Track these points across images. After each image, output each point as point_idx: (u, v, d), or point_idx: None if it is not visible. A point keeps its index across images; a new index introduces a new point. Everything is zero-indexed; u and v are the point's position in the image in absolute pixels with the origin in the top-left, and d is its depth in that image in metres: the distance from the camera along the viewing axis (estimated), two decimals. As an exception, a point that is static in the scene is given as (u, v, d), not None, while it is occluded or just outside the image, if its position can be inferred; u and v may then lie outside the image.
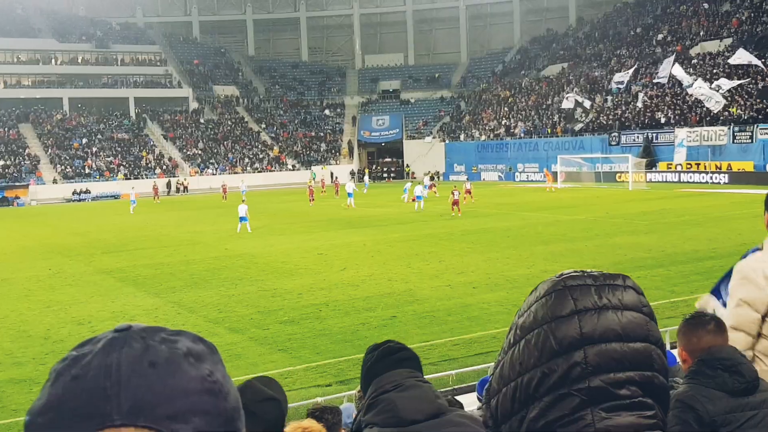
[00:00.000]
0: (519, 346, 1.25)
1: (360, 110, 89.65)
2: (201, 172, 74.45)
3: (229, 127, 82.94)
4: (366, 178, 67.04)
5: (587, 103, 64.37)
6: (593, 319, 1.21)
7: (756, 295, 3.55)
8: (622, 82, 62.48)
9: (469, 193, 44.93)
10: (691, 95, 55.28)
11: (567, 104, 65.41)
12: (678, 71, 55.14)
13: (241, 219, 33.65)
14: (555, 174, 56.89)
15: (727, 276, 4.08)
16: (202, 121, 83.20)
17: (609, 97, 65.24)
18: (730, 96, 52.50)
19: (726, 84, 50.51)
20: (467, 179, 52.79)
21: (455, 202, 37.39)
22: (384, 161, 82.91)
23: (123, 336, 0.95)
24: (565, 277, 1.28)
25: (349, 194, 45.16)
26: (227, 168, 75.58)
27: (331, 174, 75.07)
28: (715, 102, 50.70)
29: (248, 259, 25.69)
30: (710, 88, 51.67)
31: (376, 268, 22.91)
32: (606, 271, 1.32)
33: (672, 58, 58.73)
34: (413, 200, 43.48)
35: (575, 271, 1.30)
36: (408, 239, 29.04)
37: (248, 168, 76.46)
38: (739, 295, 3.61)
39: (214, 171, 74.84)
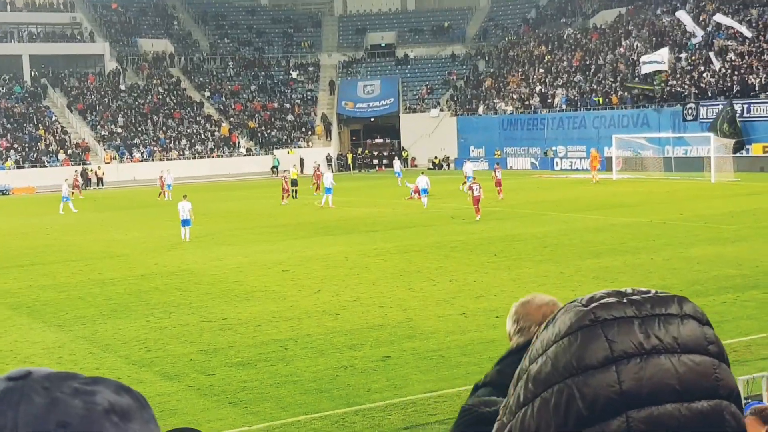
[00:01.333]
0: (533, 407, 1.21)
1: (341, 72, 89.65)
2: (121, 158, 74.38)
3: (160, 96, 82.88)
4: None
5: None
6: (638, 370, 1.17)
7: None
8: (696, 34, 62.48)
9: (499, 185, 44.41)
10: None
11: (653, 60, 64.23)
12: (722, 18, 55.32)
13: (183, 222, 33.52)
14: (608, 158, 56.97)
15: None
16: (122, 87, 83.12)
17: (683, 55, 65.40)
18: None
19: None
20: (497, 165, 52.15)
21: (477, 200, 36.96)
22: (374, 143, 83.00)
23: (19, 386, 0.93)
24: (595, 306, 1.23)
25: (327, 189, 45.01)
26: (156, 152, 75.48)
27: (301, 160, 75.17)
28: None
29: (187, 278, 25.63)
30: None
31: (363, 289, 22.88)
32: (676, 292, 1.28)
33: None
34: (416, 195, 43.52)
35: (609, 294, 1.25)
36: (407, 250, 29.01)
37: (186, 152, 76.43)
38: None
39: (141, 156, 74.75)
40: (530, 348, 1.27)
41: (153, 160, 73.72)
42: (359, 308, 20.84)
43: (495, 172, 47.36)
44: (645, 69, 64.21)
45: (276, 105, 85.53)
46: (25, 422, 0.90)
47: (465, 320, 19.20)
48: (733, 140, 54.99)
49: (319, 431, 13.27)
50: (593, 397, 1.16)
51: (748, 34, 58.69)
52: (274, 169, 73.45)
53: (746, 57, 60.62)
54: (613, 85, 68.76)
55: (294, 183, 50.86)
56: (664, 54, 62.29)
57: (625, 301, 1.23)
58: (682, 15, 59.31)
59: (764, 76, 57.85)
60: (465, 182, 38.91)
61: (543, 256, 26.70)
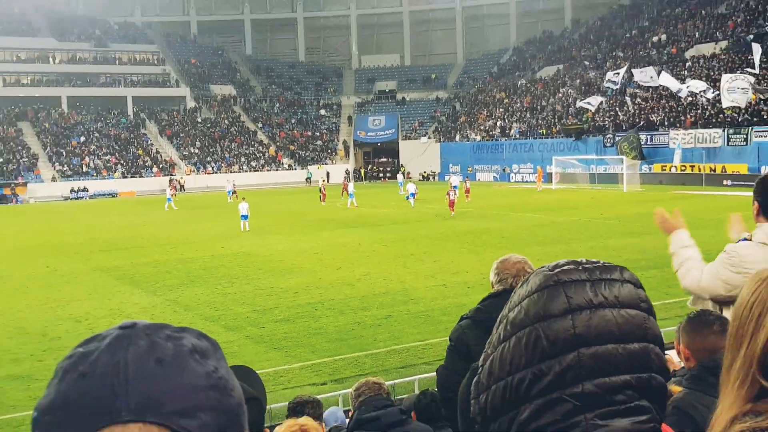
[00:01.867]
0: (509, 343, 1.20)
1: (356, 110, 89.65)
2: (198, 171, 74.38)
3: (225, 126, 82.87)
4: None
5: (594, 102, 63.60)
6: (587, 319, 1.16)
7: (729, 275, 3.86)
8: (615, 83, 62.32)
9: (468, 192, 45.79)
10: (685, 98, 55.39)
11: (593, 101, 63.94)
12: (666, 79, 55.14)
13: (243, 217, 33.81)
14: (550, 174, 56.95)
15: None
16: (199, 119, 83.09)
17: (603, 99, 65.27)
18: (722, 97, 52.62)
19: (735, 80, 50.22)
20: (467, 178, 52.83)
21: (452, 203, 37.42)
22: (380, 161, 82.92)
23: (128, 333, 0.95)
24: (558, 271, 1.22)
25: (351, 194, 45.31)
26: (223, 167, 75.51)
27: (327, 173, 75.17)
28: (732, 96, 50.04)
29: (244, 258, 25.67)
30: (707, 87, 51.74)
31: (372, 267, 22.91)
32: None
33: (653, 68, 58.57)
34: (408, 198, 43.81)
35: (569, 263, 1.24)
36: (403, 239, 29.05)
37: (245, 167, 76.41)
38: (719, 269, 3.95)
39: (212, 169, 74.77)
40: (509, 300, 1.26)
41: (221, 172, 73.80)
42: (369, 280, 20.88)
43: (465, 182, 48.10)
44: (580, 105, 63.93)
45: (309, 133, 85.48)
46: (133, 359, 0.91)
47: (445, 290, 19.22)
48: (639, 161, 54.94)
49: (339, 369, 13.29)
50: (554, 338, 1.16)
51: (654, 84, 58.47)
52: (308, 180, 73.55)
53: (650, 101, 60.47)
54: (553, 120, 68.59)
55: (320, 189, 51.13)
56: (594, 100, 62.03)
57: (580, 268, 1.23)
58: (665, 78, 58.46)
59: (663, 115, 57.70)
60: (451, 188, 39.43)
61: (502, 245, 26.71)
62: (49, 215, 48.09)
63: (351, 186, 46.75)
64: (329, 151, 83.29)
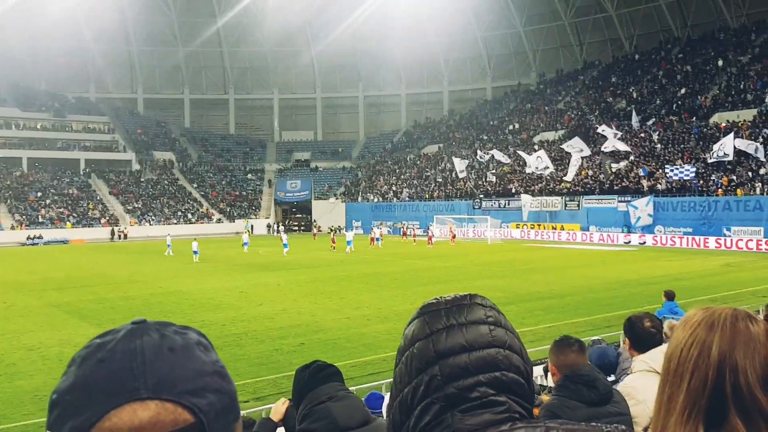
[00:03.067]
0: (399, 366, 1.24)
1: (277, 175, 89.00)
2: (140, 222, 71.63)
3: (165, 186, 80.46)
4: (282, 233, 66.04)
5: (464, 168, 65.81)
6: (443, 338, 1.20)
7: (638, 411, 3.48)
8: (488, 156, 64.42)
9: (373, 241, 46.33)
10: (533, 172, 58.11)
11: (459, 165, 65.83)
12: (525, 156, 57.75)
13: (195, 252, 33.69)
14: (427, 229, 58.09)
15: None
16: (142, 180, 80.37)
17: (473, 171, 67.44)
18: (562, 173, 55.43)
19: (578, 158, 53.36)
20: (373, 230, 53.78)
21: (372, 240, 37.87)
22: (295, 216, 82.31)
23: (141, 327, 0.92)
24: (424, 306, 1.29)
25: (285, 244, 43.83)
26: (162, 220, 73.07)
27: (252, 226, 73.97)
28: (570, 174, 53.45)
29: (180, 296, 24.80)
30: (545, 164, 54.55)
31: (288, 303, 22.58)
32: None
33: (542, 152, 61.60)
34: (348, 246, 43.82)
35: (434, 299, 1.30)
36: (315, 280, 28.83)
37: (181, 220, 74.18)
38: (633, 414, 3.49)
39: (151, 222, 72.21)
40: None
41: (160, 224, 71.32)
42: (286, 314, 20.55)
43: (372, 233, 49.36)
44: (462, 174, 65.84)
45: (237, 193, 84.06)
46: (149, 347, 0.89)
47: (348, 322, 19.14)
48: (500, 220, 56.79)
49: (260, 389, 12.96)
50: (421, 356, 1.21)
51: (507, 161, 61.03)
52: (248, 230, 71.76)
53: (509, 175, 62.85)
54: (435, 187, 70.21)
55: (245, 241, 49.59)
56: (460, 164, 64.00)
57: (440, 301, 1.29)
58: (456, 161, 61.47)
59: (518, 184, 60.09)
60: (372, 238, 41.19)
61: (395, 285, 26.91)
62: (8, 258, 45.01)
63: (285, 237, 45.84)
64: (253, 208, 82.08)
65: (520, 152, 58.06)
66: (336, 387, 2.32)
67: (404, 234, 57.88)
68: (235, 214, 78.83)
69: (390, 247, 48.37)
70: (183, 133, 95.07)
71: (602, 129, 54.59)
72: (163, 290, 26.41)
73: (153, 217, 73.38)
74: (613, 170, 51.52)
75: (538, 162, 56.02)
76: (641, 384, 3.57)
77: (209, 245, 55.07)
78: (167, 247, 45.93)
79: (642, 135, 55.06)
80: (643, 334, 3.87)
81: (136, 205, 74.88)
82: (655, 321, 3.98)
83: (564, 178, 53.67)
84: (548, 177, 56.92)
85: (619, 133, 52.54)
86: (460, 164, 64.41)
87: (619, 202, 48.86)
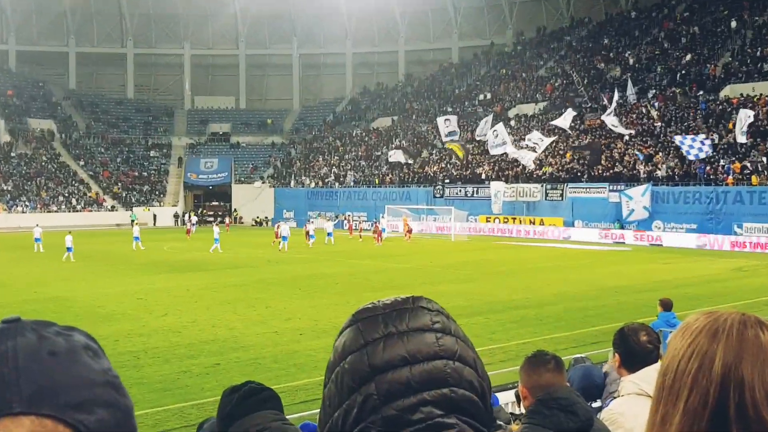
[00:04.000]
0: (329, 386, 1.25)
1: (187, 152, 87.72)
2: (10, 210, 69.49)
3: (43, 164, 78.23)
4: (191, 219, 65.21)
5: (409, 160, 66.75)
6: (380, 349, 1.21)
7: None
8: (454, 132, 64.79)
9: (308, 237, 46.32)
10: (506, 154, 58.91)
11: (394, 158, 67.18)
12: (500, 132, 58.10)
13: (68, 249, 33.95)
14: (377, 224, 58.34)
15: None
16: (13, 155, 77.92)
17: (434, 151, 67.99)
18: (544, 156, 56.39)
19: (542, 141, 53.96)
20: (327, 218, 53.68)
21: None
22: (211, 204, 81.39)
23: (14, 327, 0.89)
24: (357, 311, 1.29)
25: (216, 239, 43.38)
26: (39, 206, 71.07)
27: (154, 216, 72.83)
28: (528, 159, 54.32)
29: (61, 303, 24.19)
30: (527, 144, 55.21)
31: (200, 313, 22.32)
32: None
33: (490, 117, 62.25)
34: (279, 239, 43.59)
35: (370, 303, 1.31)
36: (235, 284, 28.57)
37: (63, 207, 72.29)
38: None
39: (24, 209, 70.14)
40: None
41: (36, 212, 69.37)
42: (196, 327, 20.30)
43: (307, 226, 49.51)
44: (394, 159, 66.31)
45: (136, 173, 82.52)
46: (23, 350, 0.86)
47: (276, 336, 19.05)
48: (467, 212, 57.41)
49: (162, 421, 12.75)
50: (353, 372, 1.21)
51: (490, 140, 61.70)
52: (133, 222, 70.78)
53: (477, 156, 63.53)
54: (387, 170, 70.44)
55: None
56: (445, 123, 64.27)
57: (376, 305, 1.29)
58: (439, 121, 62.00)
59: (488, 168, 60.80)
60: (307, 233, 41.57)
61: (335, 290, 26.91)
62: None
63: (216, 230, 44.94)
64: (157, 193, 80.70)
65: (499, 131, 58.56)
66: (270, 416, 2.27)
67: (350, 228, 57.95)
68: (133, 200, 77.46)
69: (331, 244, 48.32)
70: (67, 96, 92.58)
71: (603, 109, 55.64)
72: (39, 296, 25.74)
73: (27, 203, 71.34)
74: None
75: (492, 136, 56.53)
76: (630, 409, 3.62)
77: (99, 239, 53.86)
78: (35, 242, 44.38)
79: (639, 110, 56.38)
80: (636, 349, 3.94)
81: (5, 187, 72.65)
82: (652, 334, 4.07)
83: (527, 162, 54.52)
84: (511, 160, 57.72)
85: (611, 108, 53.59)
86: (445, 125, 63.57)
87: (611, 191, 50.00)
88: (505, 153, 57.45)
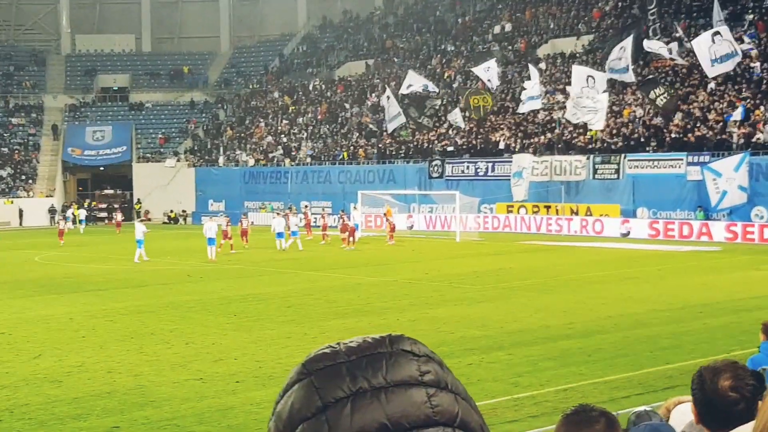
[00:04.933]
0: None
1: (68, 117, 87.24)
2: None
3: None
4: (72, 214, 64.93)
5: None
6: (345, 415, 1.22)
7: None
8: (449, 85, 64.93)
9: (244, 236, 46.40)
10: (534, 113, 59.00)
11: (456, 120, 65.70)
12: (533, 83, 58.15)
13: None
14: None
15: None
16: None
17: (429, 111, 67.97)
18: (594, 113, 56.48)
19: (600, 98, 53.83)
20: (245, 214, 53.52)
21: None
22: (103, 194, 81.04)
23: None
24: (308, 359, 1.30)
25: (139, 242, 43.89)
26: None
27: (20, 211, 72.43)
28: (590, 115, 53.78)
29: None
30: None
31: (90, 354, 22.19)
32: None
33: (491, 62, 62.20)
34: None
35: (327, 347, 1.33)
36: (140, 311, 28.44)
37: None
38: None
39: None
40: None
41: None
42: (84, 374, 20.16)
43: (242, 222, 50.87)
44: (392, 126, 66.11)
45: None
46: None
47: (202, 386, 18.97)
48: (478, 199, 57.43)
49: None
50: None
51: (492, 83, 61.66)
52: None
53: (492, 116, 63.50)
54: (359, 138, 70.35)
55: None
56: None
57: (338, 349, 1.31)
58: (479, 71, 61.79)
59: (508, 134, 60.81)
60: (244, 231, 41.80)
61: (286, 317, 26.81)
62: None
63: (142, 229, 44.83)
64: (23, 177, 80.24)
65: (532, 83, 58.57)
66: None
67: (308, 225, 57.70)
68: (-13, 188, 76.99)
69: (273, 250, 48.23)
70: None
71: (648, 46, 55.52)
72: None
73: None
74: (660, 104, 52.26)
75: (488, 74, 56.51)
76: None
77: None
78: None
79: (730, 44, 56.35)
80: (715, 400, 3.96)
81: None
82: (742, 378, 4.04)
83: (590, 125, 54.64)
84: (564, 120, 57.78)
85: (675, 48, 53.57)
86: (487, 73, 62.97)
87: (690, 165, 50.26)
88: (536, 110, 57.68)
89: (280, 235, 48.56)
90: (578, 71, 55.51)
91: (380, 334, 1.35)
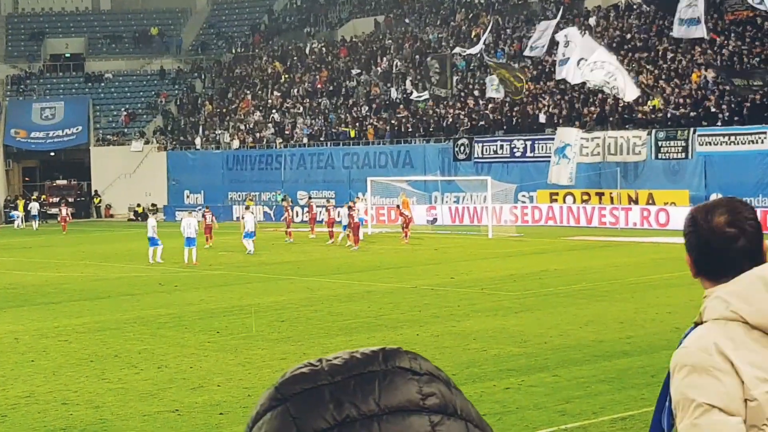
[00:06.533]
0: None
1: (9, 91, 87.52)
2: None
3: None
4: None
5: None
6: None
7: (725, 389, 3.78)
8: (475, 54, 64.81)
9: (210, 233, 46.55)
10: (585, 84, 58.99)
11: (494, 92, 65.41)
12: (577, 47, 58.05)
13: None
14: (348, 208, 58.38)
15: (666, 388, 4.34)
16: None
17: (455, 78, 67.96)
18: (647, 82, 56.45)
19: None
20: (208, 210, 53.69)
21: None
22: (55, 185, 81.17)
23: None
24: (282, 381, 1.32)
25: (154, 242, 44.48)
26: None
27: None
28: (625, 87, 53.90)
29: None
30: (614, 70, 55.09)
31: (40, 381, 22.26)
32: (450, 376, 1.33)
33: (554, 21, 62.03)
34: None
35: (306, 365, 1.34)
36: (100, 328, 28.53)
37: None
38: (699, 399, 3.82)
39: None
40: None
41: None
42: (34, 406, 20.22)
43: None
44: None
45: None
46: None
47: (178, 419, 19.02)
48: (515, 185, 57.42)
49: None
50: None
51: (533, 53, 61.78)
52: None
53: (529, 86, 63.52)
54: (368, 113, 70.32)
55: None
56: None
57: (319, 368, 1.31)
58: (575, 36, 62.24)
59: (551, 106, 60.76)
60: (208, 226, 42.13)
61: (280, 334, 26.85)
62: None
63: (153, 223, 45.77)
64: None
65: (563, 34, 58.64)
66: None
67: (312, 221, 57.54)
68: None
69: (276, 248, 48.32)
70: None
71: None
72: None
73: None
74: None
75: (563, 48, 56.81)
76: (716, 346, 3.85)
77: None
78: None
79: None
80: (713, 238, 4.12)
81: None
82: (737, 211, 4.15)
83: (624, 96, 54.37)
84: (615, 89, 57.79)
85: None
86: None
87: (774, 140, 50.26)
88: (585, 80, 57.66)
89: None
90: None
91: (372, 348, 1.34)
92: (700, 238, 4.14)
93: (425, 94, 65.26)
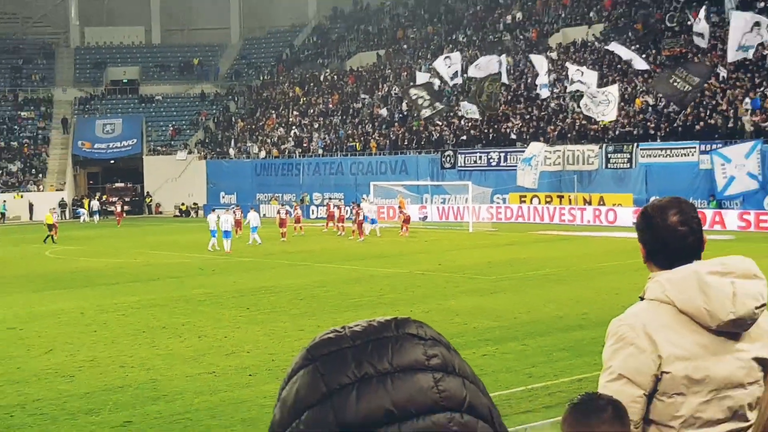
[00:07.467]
0: None
1: (77, 110, 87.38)
2: None
3: None
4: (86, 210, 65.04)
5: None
6: (351, 401, 1.22)
7: (636, 363, 3.85)
8: (455, 74, 64.42)
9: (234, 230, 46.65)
10: (547, 100, 58.92)
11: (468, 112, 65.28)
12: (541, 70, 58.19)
13: None
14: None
15: None
16: None
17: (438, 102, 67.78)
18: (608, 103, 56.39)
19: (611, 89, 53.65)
20: (245, 207, 53.62)
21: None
22: (114, 187, 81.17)
23: None
24: (312, 344, 1.32)
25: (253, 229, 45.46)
26: None
27: (30, 206, 72.63)
28: (599, 107, 53.54)
29: None
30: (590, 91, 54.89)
31: (101, 348, 22.24)
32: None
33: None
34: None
35: (331, 331, 1.34)
36: (151, 304, 28.50)
37: None
38: (614, 366, 3.91)
39: None
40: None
41: None
42: (96, 369, 20.20)
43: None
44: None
45: (2, 144, 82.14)
46: None
47: (215, 379, 18.99)
48: (491, 189, 57.44)
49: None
50: None
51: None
52: (2, 216, 70.88)
53: (503, 104, 63.48)
54: (372, 129, 70.31)
55: (50, 227, 50.74)
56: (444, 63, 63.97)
57: (343, 333, 1.31)
58: (438, 65, 62.10)
59: (520, 124, 60.79)
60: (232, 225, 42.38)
61: (299, 309, 26.85)
62: None
63: (254, 216, 48.09)
64: (33, 171, 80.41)
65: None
66: None
67: (331, 216, 57.20)
68: (-2, 182, 77.30)
69: (295, 240, 48.30)
70: None
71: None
72: None
73: None
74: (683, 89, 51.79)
75: (448, 70, 56.33)
76: (647, 321, 3.88)
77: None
78: None
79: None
80: (668, 235, 4.07)
81: None
82: (686, 212, 4.11)
83: (602, 117, 54.38)
84: (576, 107, 57.66)
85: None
86: (446, 64, 63.43)
87: (703, 154, 50.16)
88: (547, 99, 57.55)
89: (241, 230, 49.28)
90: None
91: (386, 318, 1.33)
92: (655, 234, 4.11)
93: (474, 108, 64.25)
